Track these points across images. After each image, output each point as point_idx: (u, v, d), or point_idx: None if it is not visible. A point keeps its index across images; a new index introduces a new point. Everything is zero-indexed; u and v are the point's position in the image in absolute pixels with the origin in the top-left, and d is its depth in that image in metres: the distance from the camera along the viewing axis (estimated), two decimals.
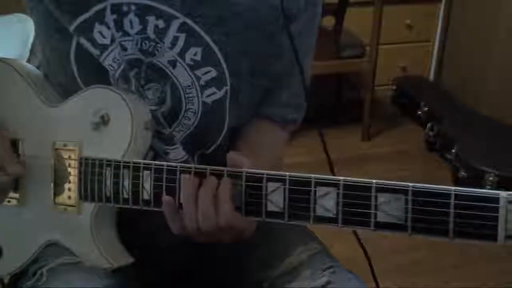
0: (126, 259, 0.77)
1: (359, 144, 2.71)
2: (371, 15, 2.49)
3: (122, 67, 0.76)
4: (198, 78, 0.76)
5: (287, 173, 0.63)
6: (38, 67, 0.88)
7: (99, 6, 0.73)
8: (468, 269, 1.89)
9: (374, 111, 2.73)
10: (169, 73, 0.76)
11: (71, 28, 0.74)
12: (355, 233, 0.81)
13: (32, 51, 1.64)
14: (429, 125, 2.63)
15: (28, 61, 0.99)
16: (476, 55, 2.78)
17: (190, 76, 0.76)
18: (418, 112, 2.78)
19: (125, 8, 0.73)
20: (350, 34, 2.65)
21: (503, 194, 0.53)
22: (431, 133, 2.61)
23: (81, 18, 0.74)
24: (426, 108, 2.74)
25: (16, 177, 0.78)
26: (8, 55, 0.84)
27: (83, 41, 0.75)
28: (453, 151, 2.37)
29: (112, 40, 0.75)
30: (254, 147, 0.84)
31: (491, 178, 2.15)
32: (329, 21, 2.46)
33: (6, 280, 0.83)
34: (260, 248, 0.85)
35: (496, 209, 0.53)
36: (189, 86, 0.77)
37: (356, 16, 2.64)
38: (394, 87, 3.03)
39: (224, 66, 0.76)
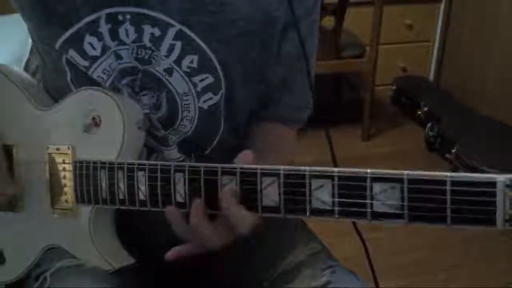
0: (126, 260, 0.76)
1: (359, 144, 2.71)
2: (371, 15, 2.49)
3: (112, 78, 0.76)
4: (195, 85, 0.76)
5: (281, 167, 0.62)
6: (38, 68, 0.88)
7: (91, 17, 0.72)
8: (468, 269, 1.89)
9: (374, 111, 2.73)
10: (166, 81, 0.76)
11: (58, 43, 0.74)
12: (357, 232, 0.81)
13: (32, 51, 1.63)
14: (429, 125, 2.63)
15: (28, 61, 0.98)
16: (476, 55, 2.78)
17: (186, 83, 0.76)
18: (418, 112, 2.78)
19: (120, 18, 0.72)
20: (350, 34, 2.65)
21: (500, 178, 0.52)
22: (431, 133, 2.61)
23: (72, 30, 0.73)
24: (426, 108, 2.74)
25: (12, 198, 0.78)
26: (8, 55, 0.83)
27: (72, 53, 0.74)
28: (453, 151, 2.37)
29: (103, 51, 0.74)
30: (269, 148, 0.83)
31: None
32: (329, 21, 2.46)
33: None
34: (261, 248, 0.85)
35: (493, 194, 0.52)
36: (186, 93, 0.77)
37: (356, 16, 2.64)
38: (394, 87, 3.03)
39: (220, 72, 0.76)
